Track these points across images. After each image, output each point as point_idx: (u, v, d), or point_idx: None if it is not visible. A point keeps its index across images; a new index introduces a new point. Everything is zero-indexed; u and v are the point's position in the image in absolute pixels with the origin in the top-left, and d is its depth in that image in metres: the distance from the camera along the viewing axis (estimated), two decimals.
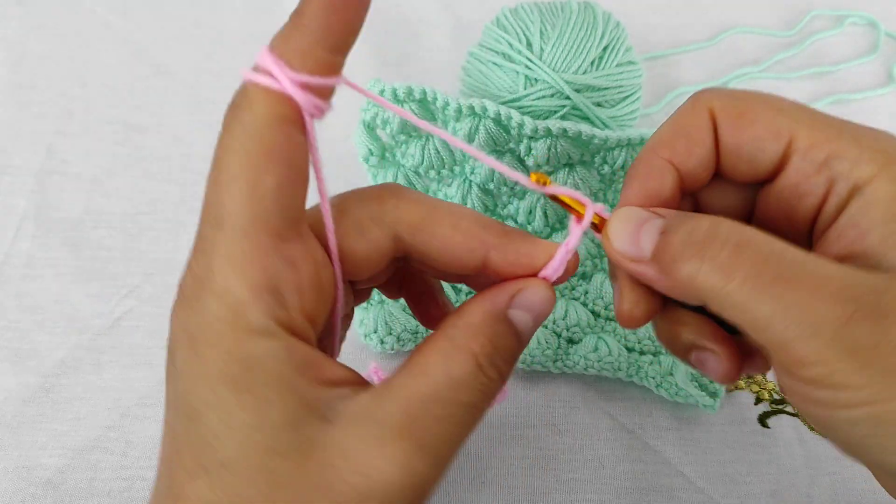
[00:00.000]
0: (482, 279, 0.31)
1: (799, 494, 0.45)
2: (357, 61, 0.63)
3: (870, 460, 0.27)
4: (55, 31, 0.64)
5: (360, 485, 0.25)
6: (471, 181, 0.49)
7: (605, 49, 0.49)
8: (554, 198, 0.30)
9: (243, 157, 0.26)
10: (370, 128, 0.48)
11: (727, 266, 0.26)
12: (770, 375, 0.49)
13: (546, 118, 0.49)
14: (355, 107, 0.49)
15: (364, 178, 0.51)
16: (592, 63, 0.49)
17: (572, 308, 0.49)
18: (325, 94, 0.28)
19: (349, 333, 0.35)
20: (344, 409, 0.26)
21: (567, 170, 0.47)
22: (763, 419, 0.39)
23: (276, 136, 0.26)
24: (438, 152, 0.48)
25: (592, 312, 0.49)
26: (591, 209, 0.30)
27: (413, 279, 0.36)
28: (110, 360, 0.50)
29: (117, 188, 0.57)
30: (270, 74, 0.26)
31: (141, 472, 0.46)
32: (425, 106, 0.46)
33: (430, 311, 0.36)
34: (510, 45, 0.50)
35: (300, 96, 0.26)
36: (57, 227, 0.55)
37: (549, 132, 0.44)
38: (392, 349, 0.48)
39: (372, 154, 0.49)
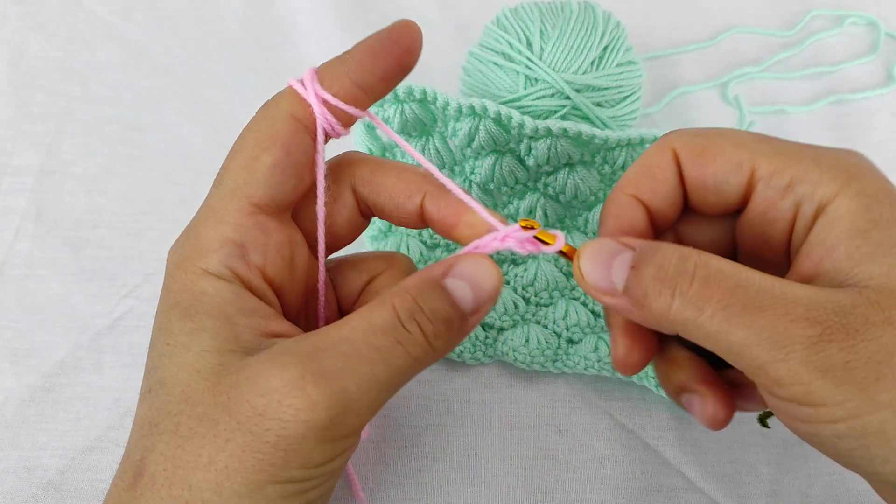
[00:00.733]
0: (428, 227, 0.35)
1: (798, 494, 0.46)
2: None
3: (862, 471, 0.28)
4: (55, 31, 0.64)
5: (256, 403, 0.27)
6: (471, 181, 0.49)
7: (605, 49, 0.49)
8: (536, 239, 0.32)
9: (255, 135, 0.32)
10: (370, 128, 0.48)
11: (697, 299, 0.27)
12: None
13: (546, 118, 0.49)
14: None
15: None
16: (592, 63, 0.49)
17: (572, 308, 0.49)
18: (344, 119, 0.33)
19: None
20: (268, 347, 0.29)
21: (567, 170, 0.47)
22: (763, 419, 0.39)
23: (285, 127, 0.31)
24: (439, 152, 0.48)
25: (592, 312, 0.49)
26: (561, 239, 0.32)
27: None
28: (110, 359, 0.50)
29: (117, 188, 0.57)
30: (304, 85, 0.32)
31: None
32: (425, 106, 0.46)
33: None
34: (510, 45, 0.50)
35: (317, 108, 0.31)
36: (57, 227, 0.55)
37: (549, 132, 0.44)
38: None
39: (372, 154, 0.49)
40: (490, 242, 0.32)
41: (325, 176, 0.33)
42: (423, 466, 0.46)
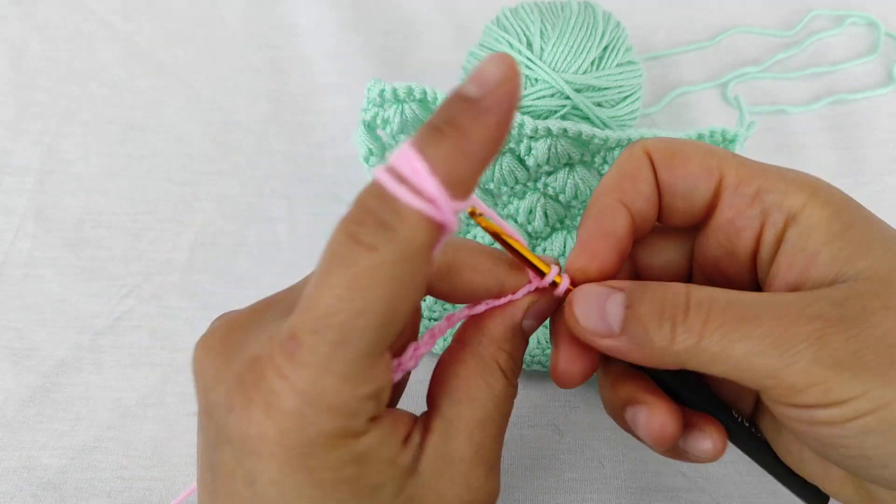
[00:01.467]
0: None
1: None
2: (357, 61, 0.63)
3: (889, 474, 0.27)
4: (55, 31, 0.64)
5: None
6: None
7: (605, 49, 0.49)
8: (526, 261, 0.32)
9: (390, 283, 0.24)
10: (370, 128, 0.48)
11: (695, 325, 0.27)
12: None
13: (546, 118, 0.49)
14: (356, 107, 0.49)
15: (364, 177, 0.51)
16: (592, 63, 0.49)
17: None
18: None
19: None
20: (424, 458, 0.28)
21: (567, 170, 0.47)
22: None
23: (424, 265, 0.25)
24: None
25: None
26: (555, 270, 0.31)
27: None
28: (110, 359, 0.50)
29: (117, 188, 0.57)
30: (424, 196, 0.23)
31: (141, 472, 0.46)
32: (425, 106, 0.46)
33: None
34: (510, 44, 0.50)
35: (453, 225, 0.24)
36: (57, 227, 0.55)
37: (549, 132, 0.44)
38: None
39: (372, 154, 0.49)
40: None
41: None
42: None
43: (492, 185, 0.49)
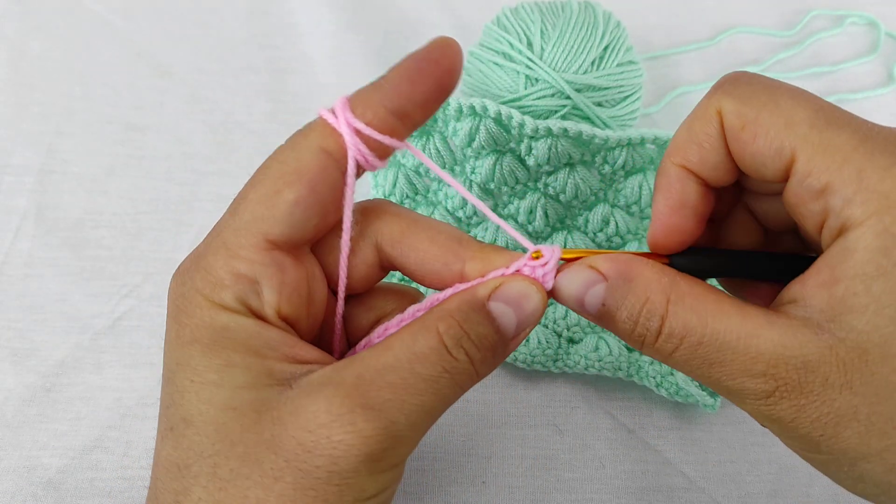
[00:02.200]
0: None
1: (799, 494, 0.46)
2: (358, 61, 0.63)
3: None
4: (55, 31, 0.64)
5: (305, 440, 0.26)
6: (471, 181, 0.49)
7: (605, 49, 0.49)
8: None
9: (279, 166, 0.29)
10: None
11: (663, 348, 0.29)
12: None
13: (546, 118, 0.49)
14: None
15: (364, 178, 0.51)
16: (593, 63, 0.49)
17: None
18: (379, 150, 0.30)
19: None
20: (305, 377, 0.28)
21: (567, 169, 0.47)
22: None
23: (313, 161, 0.29)
24: (439, 152, 0.48)
25: None
26: (558, 252, 0.31)
27: None
28: (110, 359, 0.50)
29: (117, 188, 0.57)
30: (334, 114, 0.29)
31: (142, 471, 0.46)
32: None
33: None
34: (511, 44, 0.50)
35: (349, 139, 0.29)
36: (57, 227, 0.55)
37: (549, 132, 0.44)
38: None
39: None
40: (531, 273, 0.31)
41: (353, 211, 0.32)
42: (423, 466, 0.46)
43: (492, 185, 0.49)
